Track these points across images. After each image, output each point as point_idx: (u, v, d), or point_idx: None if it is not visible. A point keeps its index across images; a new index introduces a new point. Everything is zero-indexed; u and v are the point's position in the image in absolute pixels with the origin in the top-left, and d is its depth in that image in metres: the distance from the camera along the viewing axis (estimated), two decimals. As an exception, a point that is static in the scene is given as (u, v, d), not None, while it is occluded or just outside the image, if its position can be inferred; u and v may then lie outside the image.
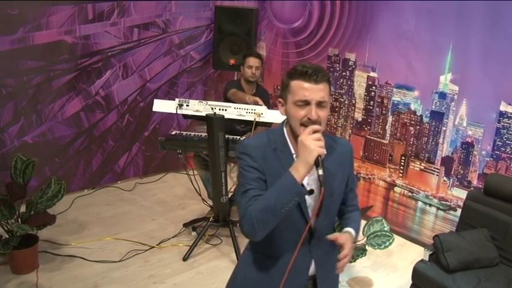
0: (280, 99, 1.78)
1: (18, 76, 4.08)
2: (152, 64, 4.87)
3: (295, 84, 1.69)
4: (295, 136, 1.74)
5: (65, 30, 4.23)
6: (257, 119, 3.39)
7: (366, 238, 3.40)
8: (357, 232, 1.93)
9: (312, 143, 1.61)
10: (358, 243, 3.38)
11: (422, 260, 3.23)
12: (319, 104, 1.68)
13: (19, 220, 3.39)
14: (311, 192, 1.78)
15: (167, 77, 5.03)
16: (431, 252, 3.21)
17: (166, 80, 5.04)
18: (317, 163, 1.63)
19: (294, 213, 1.74)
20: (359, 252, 3.29)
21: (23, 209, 3.43)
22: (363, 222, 3.52)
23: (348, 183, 1.92)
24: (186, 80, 5.18)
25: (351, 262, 3.30)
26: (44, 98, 4.27)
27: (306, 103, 1.67)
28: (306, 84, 1.66)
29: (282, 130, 1.80)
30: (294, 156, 1.77)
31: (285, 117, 1.80)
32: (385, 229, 3.44)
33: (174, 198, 4.83)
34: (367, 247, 3.32)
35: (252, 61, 4.10)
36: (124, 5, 4.53)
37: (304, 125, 1.68)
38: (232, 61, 4.87)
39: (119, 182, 5.02)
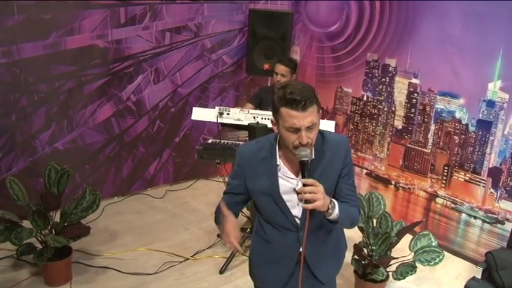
0: (272, 119, 1.91)
1: (50, 81, 4.01)
2: (184, 69, 4.76)
3: (284, 111, 1.79)
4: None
5: (97, 35, 4.14)
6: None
7: (413, 254, 3.24)
8: (341, 213, 1.92)
9: None
10: (405, 258, 3.24)
11: (474, 278, 3.07)
12: (309, 128, 1.80)
13: (53, 231, 3.30)
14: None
15: (198, 81, 4.92)
16: (483, 269, 3.05)
17: (198, 85, 4.92)
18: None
19: (277, 211, 2.00)
20: (408, 269, 3.13)
21: (55, 217, 3.34)
22: (409, 237, 3.37)
23: (340, 174, 2.00)
24: (218, 84, 5.06)
25: (399, 279, 3.14)
26: (75, 103, 4.19)
27: (296, 129, 1.79)
28: (295, 113, 1.76)
29: (274, 140, 1.98)
30: (278, 167, 1.96)
31: None
32: (433, 244, 3.27)
33: (206, 206, 4.71)
34: (416, 264, 3.16)
35: (278, 68, 3.94)
36: (156, 8, 4.42)
37: (296, 147, 1.83)
38: (266, 66, 4.73)
39: (149, 189, 4.92)
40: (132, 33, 4.33)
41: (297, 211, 2.00)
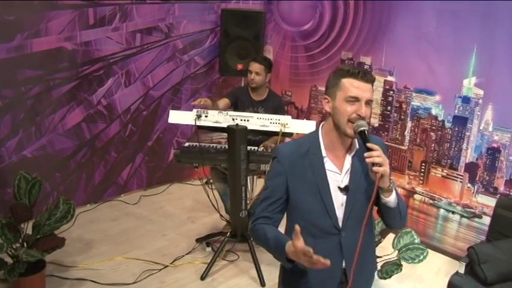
0: (326, 96, 1.91)
1: (15, 86, 3.81)
2: (155, 70, 4.64)
3: (348, 81, 1.82)
4: (338, 132, 1.87)
5: (64, 37, 3.97)
6: (283, 130, 3.20)
7: (397, 252, 3.24)
8: (397, 196, 1.88)
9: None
10: (389, 257, 3.23)
11: (457, 273, 3.09)
12: (367, 103, 1.82)
13: (24, 244, 3.13)
14: (346, 188, 1.91)
15: (171, 83, 4.80)
16: (465, 264, 3.08)
17: (170, 87, 4.80)
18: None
19: (321, 211, 1.90)
20: (393, 267, 3.12)
21: (27, 229, 3.16)
22: (392, 236, 3.37)
23: None
24: (190, 86, 4.95)
25: (385, 278, 3.13)
26: (44, 109, 4.00)
27: (357, 100, 1.81)
28: (358, 83, 1.81)
29: (317, 133, 1.96)
30: (325, 159, 1.91)
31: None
32: (416, 241, 3.28)
33: (182, 210, 4.60)
34: (401, 262, 3.15)
35: (253, 66, 3.92)
36: (126, 8, 4.28)
37: (351, 121, 1.81)
38: (240, 66, 4.65)
39: (122, 195, 4.77)
40: (101, 34, 4.18)
41: (339, 212, 1.92)
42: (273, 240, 1.88)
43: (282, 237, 1.88)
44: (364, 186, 1.90)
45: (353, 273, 1.85)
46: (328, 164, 1.91)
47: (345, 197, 1.91)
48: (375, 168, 1.75)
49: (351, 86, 1.81)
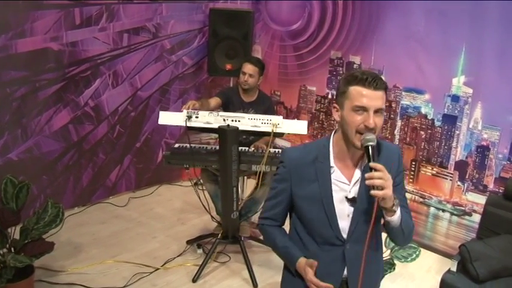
0: (335, 105, 1.82)
1: (0, 88, 3.72)
2: (143, 71, 4.58)
3: (354, 90, 1.71)
4: (347, 143, 1.79)
5: (50, 37, 3.90)
6: (274, 130, 3.18)
7: (389, 251, 3.24)
8: (401, 215, 1.80)
9: None
10: (383, 256, 3.22)
11: (449, 271, 3.11)
12: (376, 112, 1.70)
13: (12, 249, 3.06)
14: (353, 200, 1.86)
15: (158, 84, 4.75)
16: (457, 261, 3.09)
17: (158, 88, 4.75)
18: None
19: (324, 222, 1.87)
20: (387, 266, 3.12)
21: (14, 234, 3.09)
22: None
23: (393, 183, 1.78)
24: (179, 86, 4.91)
25: (379, 278, 3.13)
26: (30, 110, 3.92)
27: (364, 109, 1.69)
28: (365, 91, 1.68)
29: (328, 141, 1.88)
30: (332, 170, 1.84)
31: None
32: (408, 240, 3.29)
33: (172, 212, 4.56)
34: (394, 261, 3.15)
35: (246, 67, 3.89)
36: (113, 8, 4.22)
37: (359, 132, 1.71)
38: (228, 66, 4.62)
39: (110, 198, 4.70)
40: (88, 35, 4.11)
41: (345, 223, 1.87)
42: (282, 250, 1.97)
43: (292, 251, 1.94)
44: (373, 199, 1.78)
45: None
46: (336, 174, 1.86)
47: (352, 208, 1.86)
48: (373, 192, 1.67)
49: (359, 94, 1.69)
